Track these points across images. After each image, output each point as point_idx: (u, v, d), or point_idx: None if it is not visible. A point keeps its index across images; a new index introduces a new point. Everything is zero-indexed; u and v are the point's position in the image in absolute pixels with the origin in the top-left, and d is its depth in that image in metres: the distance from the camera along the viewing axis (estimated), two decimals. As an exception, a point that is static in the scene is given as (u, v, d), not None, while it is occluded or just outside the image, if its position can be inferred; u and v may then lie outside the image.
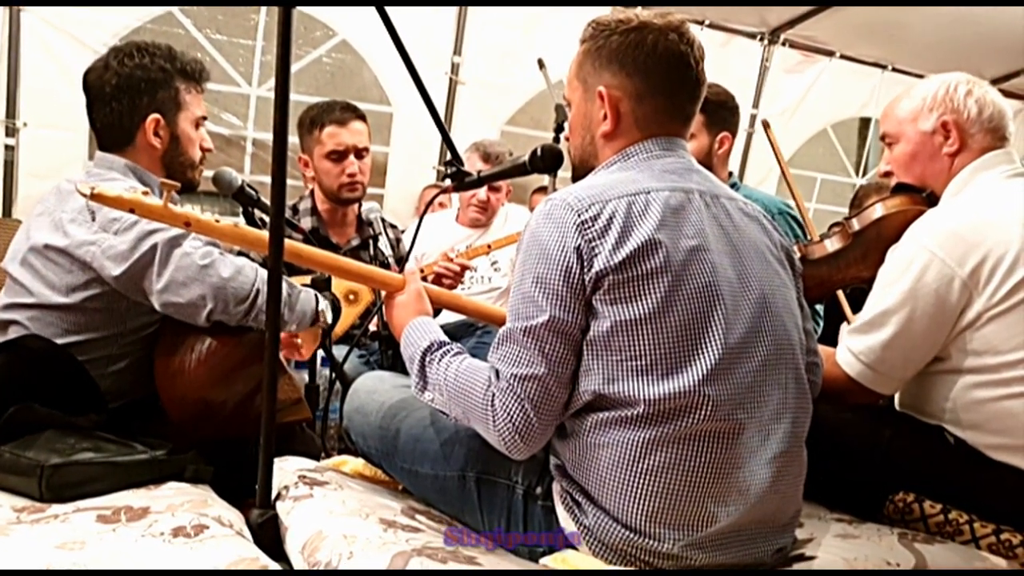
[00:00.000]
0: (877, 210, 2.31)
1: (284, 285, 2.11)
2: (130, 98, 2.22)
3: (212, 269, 2.01)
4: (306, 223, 3.29)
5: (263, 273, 2.08)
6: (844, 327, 2.19)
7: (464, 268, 3.27)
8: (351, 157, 3.24)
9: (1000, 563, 1.91)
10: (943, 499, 2.04)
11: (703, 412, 1.52)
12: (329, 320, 2.29)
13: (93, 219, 2.05)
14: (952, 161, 2.18)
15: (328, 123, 3.22)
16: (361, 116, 3.30)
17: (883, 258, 2.10)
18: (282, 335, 2.32)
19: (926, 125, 2.20)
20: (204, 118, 2.38)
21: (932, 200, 2.23)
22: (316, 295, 2.26)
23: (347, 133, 3.24)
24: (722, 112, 3.16)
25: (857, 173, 7.57)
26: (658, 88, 1.73)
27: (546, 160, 2.13)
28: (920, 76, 6.87)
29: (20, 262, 2.15)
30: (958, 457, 2.03)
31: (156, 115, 2.25)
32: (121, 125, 2.25)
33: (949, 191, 2.17)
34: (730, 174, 3.41)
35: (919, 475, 2.06)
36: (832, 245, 2.40)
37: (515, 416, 1.55)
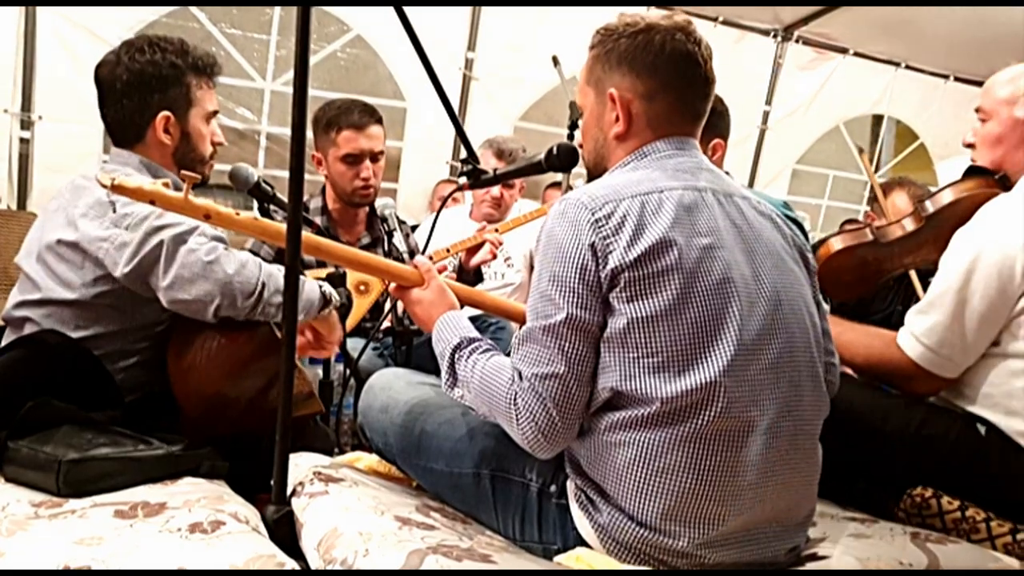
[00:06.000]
0: (949, 194, 2.30)
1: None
2: (141, 95, 2.22)
3: (217, 265, 2.00)
4: (316, 222, 3.28)
5: (267, 267, 2.08)
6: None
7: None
8: (366, 161, 3.23)
9: (1014, 564, 1.91)
10: (966, 493, 2.04)
11: (718, 407, 1.53)
12: (339, 300, 2.27)
13: (114, 210, 2.04)
14: None
15: (345, 127, 3.19)
16: (379, 120, 3.27)
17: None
18: (302, 340, 2.30)
19: (1022, 112, 2.17)
20: (216, 112, 2.38)
21: (1004, 183, 2.21)
22: (319, 283, 2.26)
23: (364, 138, 3.21)
24: (711, 119, 3.12)
25: (869, 170, 7.55)
26: (668, 87, 1.74)
27: (562, 159, 2.14)
28: (934, 73, 6.97)
29: (36, 258, 2.16)
30: (989, 449, 2.02)
31: (167, 112, 2.25)
32: (132, 121, 2.25)
33: None
34: (727, 174, 3.38)
35: (945, 466, 2.06)
36: (904, 227, 2.39)
37: (538, 415, 1.56)
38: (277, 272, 2.09)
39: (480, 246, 3.19)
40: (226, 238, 2.10)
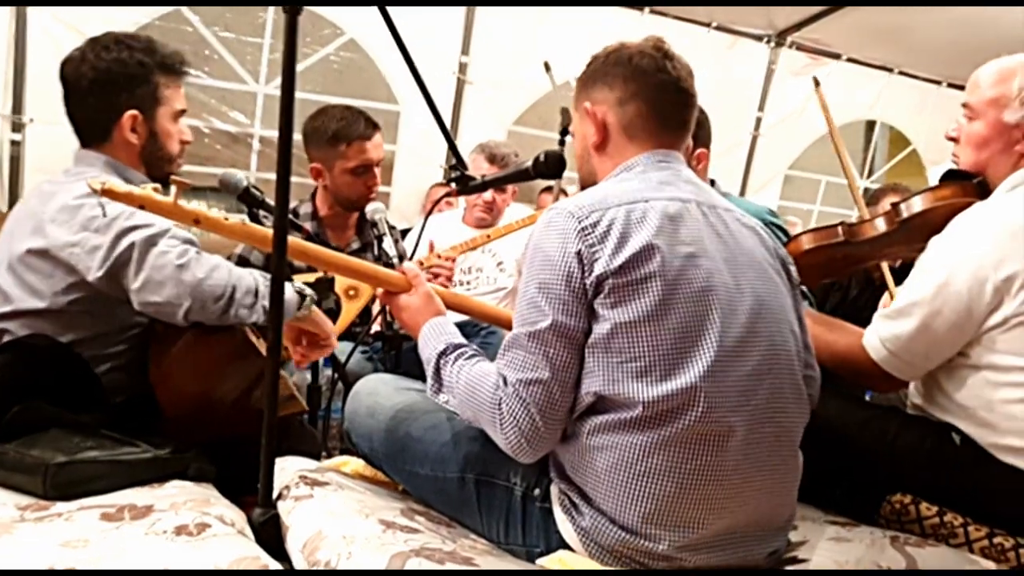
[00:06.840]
0: (924, 200, 2.26)
1: (258, 276, 2.11)
2: (107, 93, 2.20)
3: (187, 269, 1.99)
4: (305, 227, 3.29)
5: (237, 271, 2.07)
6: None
7: (452, 260, 3.27)
8: (374, 170, 3.27)
9: (990, 567, 1.93)
10: (942, 501, 2.05)
11: (698, 411, 1.55)
12: (315, 296, 2.24)
13: (104, 213, 2.01)
14: (1023, 160, 2.11)
15: (355, 139, 3.21)
16: (378, 127, 3.31)
17: (926, 243, 2.08)
18: (299, 353, 2.29)
19: (1011, 117, 2.11)
20: (184, 111, 2.34)
21: (982, 189, 2.18)
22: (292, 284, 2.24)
23: (373, 148, 3.25)
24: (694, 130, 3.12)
25: (862, 176, 7.56)
26: (637, 94, 1.79)
27: (550, 166, 2.17)
28: (927, 79, 6.98)
29: (6, 269, 2.14)
30: (963, 459, 2.03)
31: (134, 111, 2.21)
32: (97, 120, 2.22)
33: (1005, 186, 2.11)
34: (712, 182, 3.38)
35: (920, 476, 2.07)
36: (877, 228, 2.36)
37: (521, 420, 1.58)
38: (248, 275, 2.08)
39: (472, 249, 3.22)
40: (197, 241, 2.10)
